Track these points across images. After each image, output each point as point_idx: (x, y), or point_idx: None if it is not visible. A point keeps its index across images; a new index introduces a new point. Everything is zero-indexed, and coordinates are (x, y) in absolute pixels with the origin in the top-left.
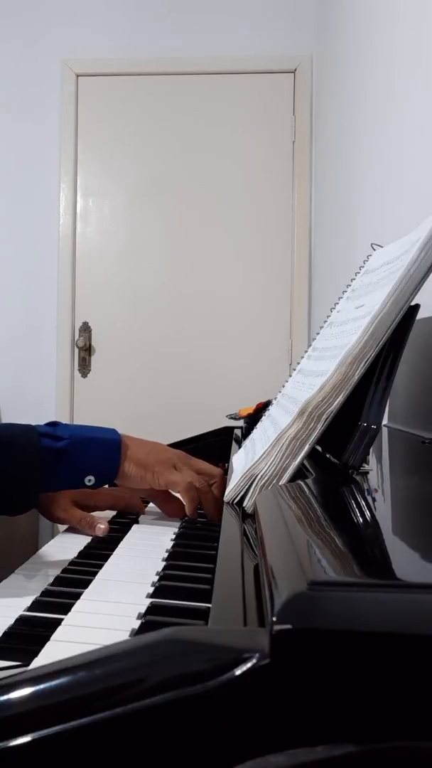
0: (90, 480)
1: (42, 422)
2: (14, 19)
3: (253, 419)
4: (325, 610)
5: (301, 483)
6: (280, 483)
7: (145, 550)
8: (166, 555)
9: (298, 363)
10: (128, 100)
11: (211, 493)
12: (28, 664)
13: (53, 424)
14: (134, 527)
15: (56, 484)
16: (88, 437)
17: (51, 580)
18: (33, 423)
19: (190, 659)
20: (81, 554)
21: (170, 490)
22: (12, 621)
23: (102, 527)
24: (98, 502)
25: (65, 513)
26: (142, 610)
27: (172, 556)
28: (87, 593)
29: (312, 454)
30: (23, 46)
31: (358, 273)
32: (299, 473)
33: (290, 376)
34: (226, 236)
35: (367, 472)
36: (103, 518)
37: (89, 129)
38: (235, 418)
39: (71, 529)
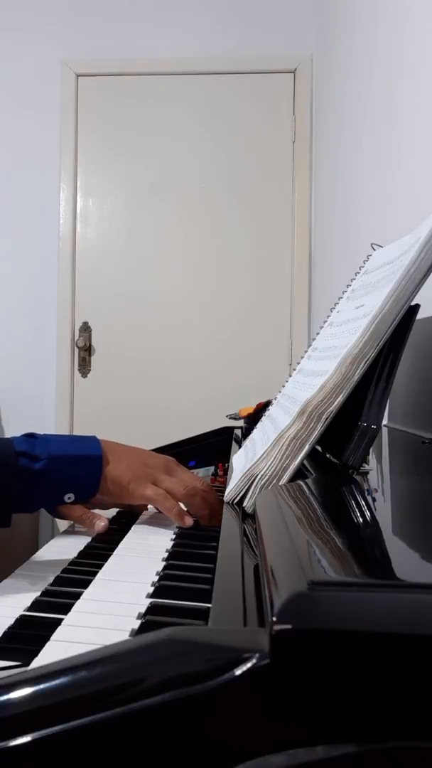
0: (69, 497)
1: (42, 422)
2: (14, 19)
3: (253, 419)
4: (325, 610)
5: (301, 483)
6: (280, 483)
7: (145, 550)
8: (166, 555)
9: (298, 363)
10: (128, 100)
11: (197, 496)
12: (27, 664)
13: (31, 436)
14: (134, 527)
15: (33, 507)
16: (67, 455)
17: (51, 580)
18: (33, 423)
19: (190, 659)
20: (81, 554)
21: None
22: (12, 621)
23: (101, 524)
24: (100, 500)
25: (66, 509)
26: (142, 610)
27: (172, 556)
28: (87, 593)
29: (312, 454)
30: (23, 46)
31: (358, 273)
32: (299, 473)
33: (290, 376)
34: (226, 236)
35: (367, 472)
36: (103, 516)
37: (89, 129)
38: (235, 418)
39: (71, 529)
